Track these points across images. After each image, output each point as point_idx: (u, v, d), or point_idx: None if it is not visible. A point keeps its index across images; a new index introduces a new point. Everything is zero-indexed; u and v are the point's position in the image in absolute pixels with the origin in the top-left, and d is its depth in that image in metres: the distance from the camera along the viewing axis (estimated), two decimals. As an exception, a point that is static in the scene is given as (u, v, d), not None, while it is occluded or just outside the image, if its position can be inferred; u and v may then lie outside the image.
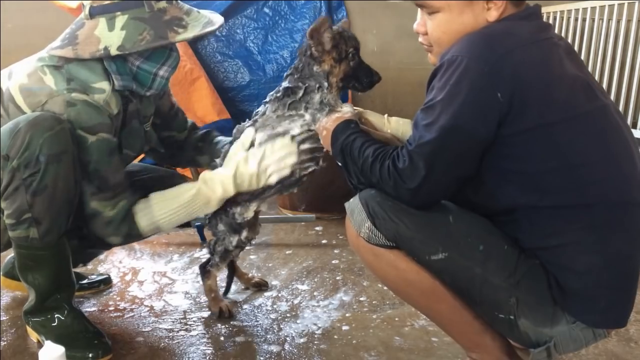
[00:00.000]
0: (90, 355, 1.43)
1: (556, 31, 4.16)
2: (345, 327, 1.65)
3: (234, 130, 1.64)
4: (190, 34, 1.44)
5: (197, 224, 2.33)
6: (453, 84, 1.08)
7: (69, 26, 1.50)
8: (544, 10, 3.86)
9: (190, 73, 3.43)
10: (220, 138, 1.84)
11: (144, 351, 1.51)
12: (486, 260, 1.15)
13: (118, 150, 1.48)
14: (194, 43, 3.84)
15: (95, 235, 1.47)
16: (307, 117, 1.52)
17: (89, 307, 1.76)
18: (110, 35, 1.40)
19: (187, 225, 1.98)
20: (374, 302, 1.83)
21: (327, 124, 1.42)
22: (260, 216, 1.81)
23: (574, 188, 1.10)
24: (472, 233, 1.17)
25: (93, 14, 1.42)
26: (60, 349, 1.14)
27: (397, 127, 1.49)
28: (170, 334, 1.60)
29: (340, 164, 1.31)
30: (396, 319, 1.70)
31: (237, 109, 3.92)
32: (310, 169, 1.58)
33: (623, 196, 1.12)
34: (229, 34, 3.98)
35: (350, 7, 4.15)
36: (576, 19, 3.61)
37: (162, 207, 1.49)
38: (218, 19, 1.52)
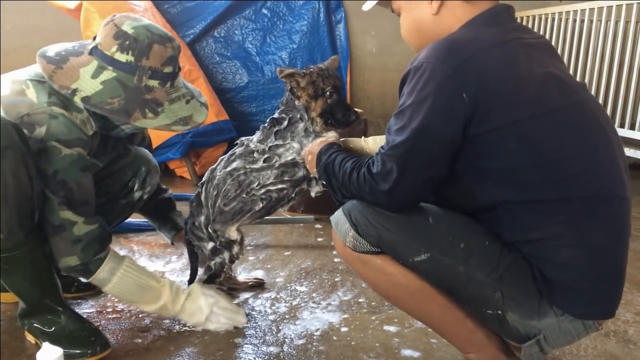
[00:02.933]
0: (89, 351, 1.43)
1: (555, 32, 4.19)
2: (344, 329, 1.65)
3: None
4: (153, 123, 1.41)
5: None
6: (420, 89, 1.13)
7: (79, 41, 1.49)
8: (542, 11, 3.87)
9: (188, 74, 3.40)
10: (175, 214, 1.94)
11: (142, 353, 1.50)
12: (468, 258, 1.17)
13: (90, 167, 1.46)
14: (193, 44, 3.85)
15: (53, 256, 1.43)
16: (295, 145, 1.59)
17: (87, 308, 1.75)
18: (88, 81, 1.38)
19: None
20: (372, 303, 1.82)
21: (312, 148, 1.49)
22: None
23: (551, 182, 1.12)
24: (453, 232, 1.19)
25: (93, 53, 1.42)
26: (58, 351, 1.14)
27: (375, 145, 1.49)
28: (169, 336, 1.60)
29: (325, 182, 1.36)
30: (395, 320, 1.70)
31: (236, 110, 3.91)
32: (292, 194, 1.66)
33: (602, 190, 1.13)
34: (228, 35, 3.97)
35: (348, 9, 4.15)
36: (574, 20, 3.62)
37: (125, 279, 1.47)
38: (200, 118, 1.50)
